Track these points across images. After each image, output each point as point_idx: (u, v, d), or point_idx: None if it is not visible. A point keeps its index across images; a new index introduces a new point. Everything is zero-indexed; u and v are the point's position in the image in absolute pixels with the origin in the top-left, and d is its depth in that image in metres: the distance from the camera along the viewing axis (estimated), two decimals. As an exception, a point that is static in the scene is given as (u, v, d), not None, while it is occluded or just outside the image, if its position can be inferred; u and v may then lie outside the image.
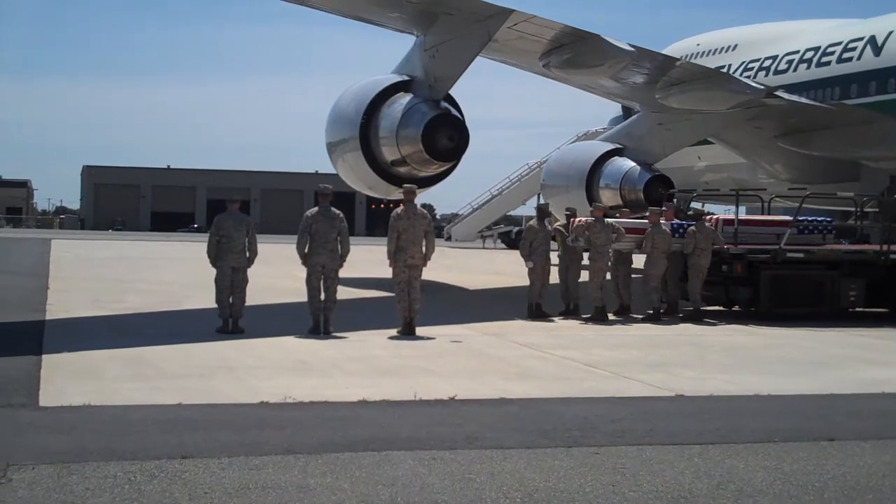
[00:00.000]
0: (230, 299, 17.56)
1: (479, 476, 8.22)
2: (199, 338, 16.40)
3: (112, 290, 25.48)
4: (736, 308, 22.80)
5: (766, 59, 35.85)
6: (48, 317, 19.05)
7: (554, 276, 21.94)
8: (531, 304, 21.35)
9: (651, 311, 21.47)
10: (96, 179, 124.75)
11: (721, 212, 30.75)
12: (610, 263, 22.03)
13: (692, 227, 21.91)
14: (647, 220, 22.40)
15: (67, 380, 12.29)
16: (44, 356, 13.97)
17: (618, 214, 24.54)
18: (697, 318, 21.40)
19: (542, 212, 22.59)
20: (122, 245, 56.81)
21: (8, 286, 25.85)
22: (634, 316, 21.60)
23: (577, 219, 22.52)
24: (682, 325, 20.80)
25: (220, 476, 8.04)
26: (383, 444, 9.17)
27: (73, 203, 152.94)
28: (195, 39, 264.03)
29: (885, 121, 28.69)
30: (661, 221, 22.07)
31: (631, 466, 8.66)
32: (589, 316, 21.06)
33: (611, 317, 21.28)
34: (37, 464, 8.24)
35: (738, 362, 15.67)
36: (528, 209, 74.93)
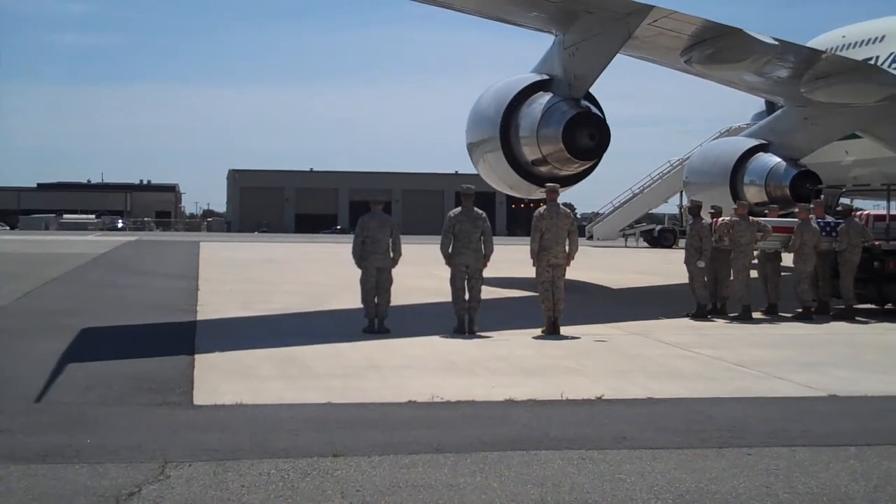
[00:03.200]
0: (375, 299, 17.72)
1: (630, 476, 8.16)
2: (345, 338, 16.59)
3: (259, 291, 25.96)
4: (889, 306, 22.16)
5: (917, 49, 34.84)
6: (199, 317, 19.48)
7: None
8: (703, 305, 21.09)
9: (801, 310, 21.02)
10: (242, 183, 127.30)
11: (870, 207, 29.88)
12: (756, 261, 21.63)
13: (843, 224, 21.40)
14: (795, 218, 21.95)
15: (220, 379, 12.56)
16: (196, 356, 14.30)
17: (766, 212, 24.06)
18: (849, 316, 20.88)
19: (697, 208, 22.25)
20: (267, 247, 57.84)
21: (160, 288, 26.55)
22: (783, 315, 21.17)
23: (722, 217, 22.16)
24: (833, 324, 20.31)
25: (371, 474, 8.13)
26: (532, 444, 9.17)
27: (220, 206, 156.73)
28: (338, 44, 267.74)
29: None
30: (811, 218, 21.60)
31: (784, 468, 8.51)
32: (735, 315, 20.71)
33: (758, 316, 20.90)
34: (193, 461, 8.45)
35: (893, 362, 15.24)
36: (670, 207, 74.22)
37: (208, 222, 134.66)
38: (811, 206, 22.68)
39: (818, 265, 21.59)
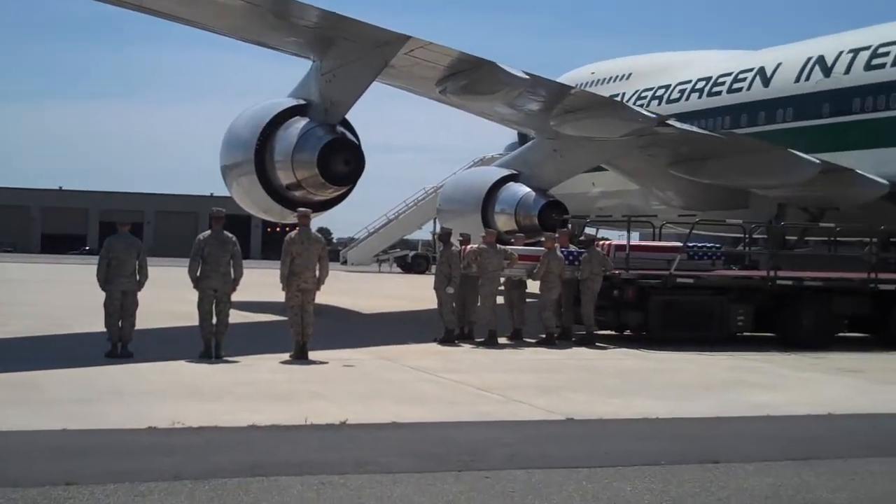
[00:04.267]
0: (119, 323, 17.29)
1: (369, 501, 8.19)
2: (87, 362, 16.10)
3: (-2, 313, 24.91)
4: (627, 332, 23.06)
5: (660, 87, 36.57)
6: (-70, 341, 18.57)
7: None
8: (451, 330, 21.41)
9: (545, 336, 21.64)
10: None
11: (616, 237, 31.11)
12: (503, 288, 22.18)
13: (585, 254, 22.19)
14: (541, 247, 22.65)
15: (-52, 405, 11.98)
16: (-76, 381, 13.60)
17: (513, 240, 24.71)
18: (590, 342, 21.62)
19: (447, 235, 22.74)
20: (8, 267, 55.60)
21: None
22: (528, 340, 21.74)
23: (470, 245, 22.62)
24: (574, 350, 20.97)
25: (105, 503, 7.89)
26: (272, 469, 9.08)
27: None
28: (91, 61, 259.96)
29: (774, 150, 29.33)
30: (556, 247, 22.29)
31: (520, 490, 8.70)
32: (482, 340, 21.16)
33: (503, 341, 21.40)
34: (-86, 492, 8.02)
35: (629, 386, 15.84)
36: (424, 233, 75.18)
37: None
38: (556, 235, 23.42)
39: (562, 293, 22.26)
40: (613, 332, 23.17)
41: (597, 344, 21.56)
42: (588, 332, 21.86)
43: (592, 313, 21.98)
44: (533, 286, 22.86)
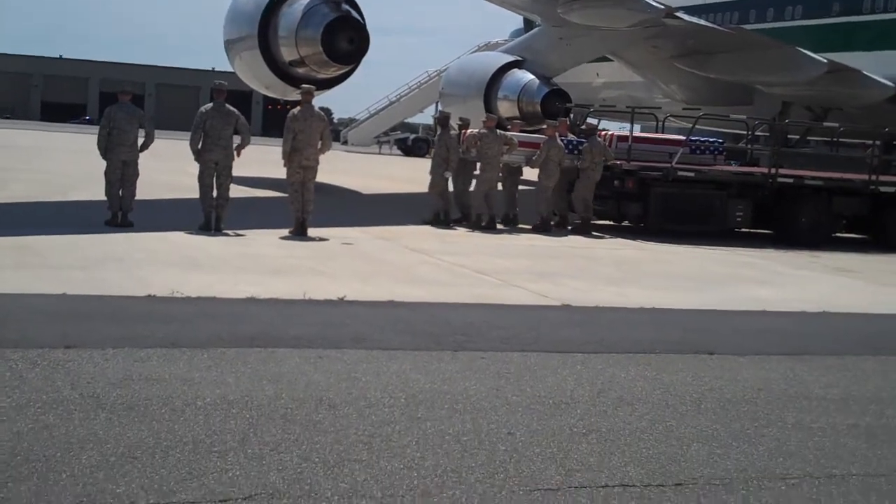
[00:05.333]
0: (120, 192, 17.29)
1: (365, 375, 8.26)
2: (86, 229, 16.14)
3: (-3, 178, 24.89)
4: (626, 223, 23.09)
5: (669, -22, 36.02)
6: (-71, 202, 18.58)
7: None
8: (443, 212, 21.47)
9: (540, 222, 21.64)
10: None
11: (616, 128, 30.96)
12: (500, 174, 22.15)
13: (586, 143, 22.10)
14: (542, 134, 22.55)
15: (-52, 266, 12.03)
16: (-76, 241, 13.64)
17: (509, 126, 24.58)
18: (587, 230, 21.64)
19: (445, 119, 22.62)
20: (10, 134, 55.35)
21: None
22: (523, 226, 21.75)
23: (469, 129, 22.49)
24: (571, 238, 21.01)
25: (104, 367, 7.97)
26: (270, 342, 9.16)
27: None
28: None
29: (781, 47, 29.08)
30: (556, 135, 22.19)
31: (515, 371, 8.79)
32: (474, 223, 21.19)
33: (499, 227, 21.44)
34: (-86, 348, 8.08)
35: (626, 276, 15.91)
36: (425, 117, 74.79)
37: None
38: (556, 123, 23.30)
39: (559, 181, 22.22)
40: (612, 223, 23.21)
41: (593, 233, 21.59)
42: (584, 221, 21.87)
43: (591, 202, 21.97)
44: (529, 174, 22.82)
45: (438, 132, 22.59)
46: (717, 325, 12.16)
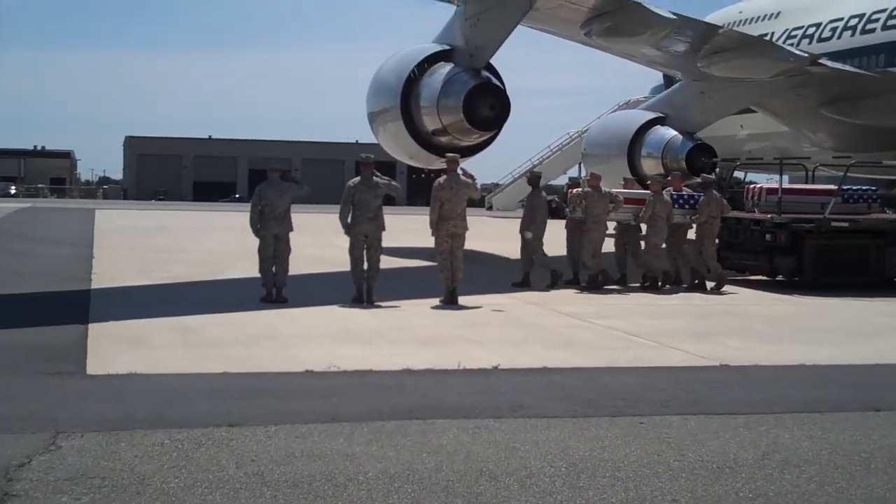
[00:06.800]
0: (273, 268, 17.63)
1: (524, 445, 8.23)
2: (242, 307, 16.48)
3: (156, 259, 25.62)
4: (780, 278, 22.62)
5: (810, 26, 35.49)
6: (94, 286, 19.19)
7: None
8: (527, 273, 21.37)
9: (650, 279, 21.30)
10: (139, 150, 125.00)
11: (763, 181, 30.47)
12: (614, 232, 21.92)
13: (703, 197, 21.74)
14: (647, 189, 22.24)
15: (114, 348, 12.41)
16: (90, 325, 14.07)
17: (622, 184, 24.16)
18: (720, 286, 21.20)
19: (535, 179, 22.59)
20: (164, 215, 57.02)
21: (53, 256, 26.06)
22: (632, 285, 21.39)
23: (574, 189, 22.30)
24: (720, 296, 20.61)
25: (267, 444, 8.10)
26: (428, 413, 9.21)
27: (116, 173, 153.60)
28: (239, 9, 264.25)
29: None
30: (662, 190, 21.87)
31: (676, 436, 8.65)
32: (585, 285, 20.99)
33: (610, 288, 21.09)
34: (85, 431, 8.32)
35: (784, 332, 15.59)
36: (567, 179, 74.65)
37: (104, 190, 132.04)
38: (667, 178, 22.88)
39: (675, 237, 21.88)
40: (766, 278, 22.77)
41: (720, 290, 21.08)
42: (716, 276, 21.40)
43: (715, 256, 21.58)
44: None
45: (529, 192, 22.48)
46: (881, 380, 11.81)
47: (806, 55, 28.63)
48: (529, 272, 21.31)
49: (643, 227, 21.76)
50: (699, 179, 24.30)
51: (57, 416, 8.80)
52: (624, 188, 23.50)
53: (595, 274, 20.96)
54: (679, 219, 21.82)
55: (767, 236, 22.05)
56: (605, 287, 20.87)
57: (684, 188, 22.83)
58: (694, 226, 21.93)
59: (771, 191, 23.29)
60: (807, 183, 26.65)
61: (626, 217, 21.92)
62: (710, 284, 21.39)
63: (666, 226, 21.51)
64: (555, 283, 20.92)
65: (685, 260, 21.98)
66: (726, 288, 21.28)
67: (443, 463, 7.66)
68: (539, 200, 21.75)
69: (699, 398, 10.32)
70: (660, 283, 21.32)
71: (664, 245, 21.72)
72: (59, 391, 9.98)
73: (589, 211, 21.17)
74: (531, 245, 21.40)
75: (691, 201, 22.01)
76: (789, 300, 20.06)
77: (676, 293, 20.90)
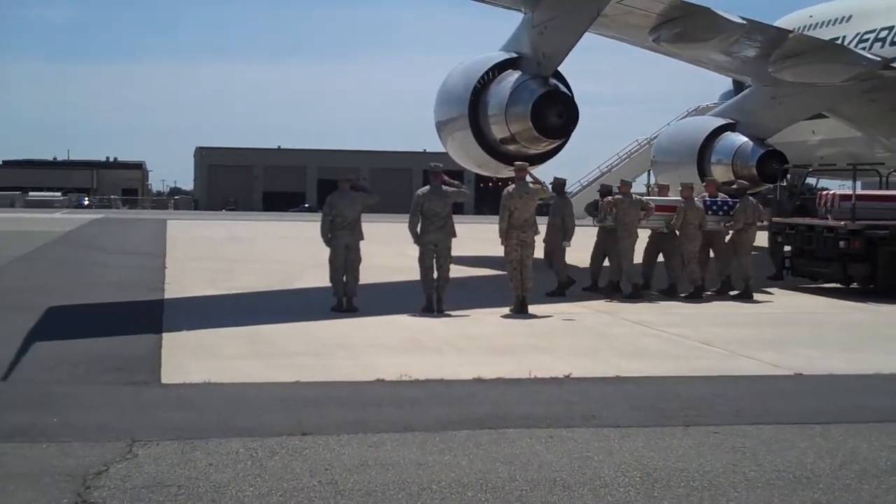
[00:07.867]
0: (344, 278, 17.71)
1: (598, 454, 8.20)
2: (314, 316, 16.57)
3: (227, 269, 25.85)
4: (854, 285, 22.31)
5: (882, 29, 34.91)
6: (167, 296, 19.40)
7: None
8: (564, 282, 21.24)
9: (693, 289, 20.91)
10: (209, 160, 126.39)
11: (836, 187, 30.09)
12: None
13: (738, 203, 21.45)
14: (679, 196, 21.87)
15: (188, 357, 12.54)
16: (164, 335, 14.24)
17: (656, 191, 23.86)
18: (749, 295, 20.87)
19: (560, 186, 22.45)
20: (235, 225, 57.53)
21: (127, 266, 26.40)
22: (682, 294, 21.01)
23: (607, 197, 22.01)
24: (794, 303, 20.40)
25: (340, 453, 8.14)
26: (500, 422, 9.20)
27: (187, 184, 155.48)
28: (306, 21, 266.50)
29: None
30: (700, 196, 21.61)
31: (751, 446, 8.57)
32: (629, 293, 20.69)
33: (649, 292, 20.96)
34: (161, 440, 8.43)
35: (859, 340, 15.38)
36: (638, 186, 74.27)
37: (175, 200, 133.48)
38: (692, 184, 22.57)
39: (717, 245, 21.69)
40: (839, 286, 22.47)
41: (753, 298, 20.76)
42: (746, 284, 21.10)
43: (749, 265, 21.26)
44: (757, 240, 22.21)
45: (554, 199, 22.22)
46: (961, 389, 11.60)
47: (878, 59, 28.23)
48: (566, 282, 21.15)
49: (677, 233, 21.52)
50: (734, 186, 23.92)
51: (133, 425, 8.91)
52: (658, 195, 23.33)
53: (636, 283, 20.77)
54: (713, 225, 21.56)
55: (841, 243, 21.73)
56: (641, 295, 20.64)
57: (720, 194, 22.58)
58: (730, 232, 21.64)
59: (844, 197, 22.96)
60: (881, 189, 26.25)
61: (658, 225, 21.65)
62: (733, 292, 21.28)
63: (699, 233, 21.22)
64: (562, 292, 20.72)
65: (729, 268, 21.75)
66: (799, 296, 21.02)
67: (516, 472, 7.65)
68: (568, 207, 21.58)
69: (773, 407, 10.21)
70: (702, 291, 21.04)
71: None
72: (134, 400, 10.10)
73: (620, 219, 20.95)
74: (559, 253, 21.29)
75: (725, 207, 21.75)
76: (863, 308, 19.79)
77: (720, 300, 20.72)
